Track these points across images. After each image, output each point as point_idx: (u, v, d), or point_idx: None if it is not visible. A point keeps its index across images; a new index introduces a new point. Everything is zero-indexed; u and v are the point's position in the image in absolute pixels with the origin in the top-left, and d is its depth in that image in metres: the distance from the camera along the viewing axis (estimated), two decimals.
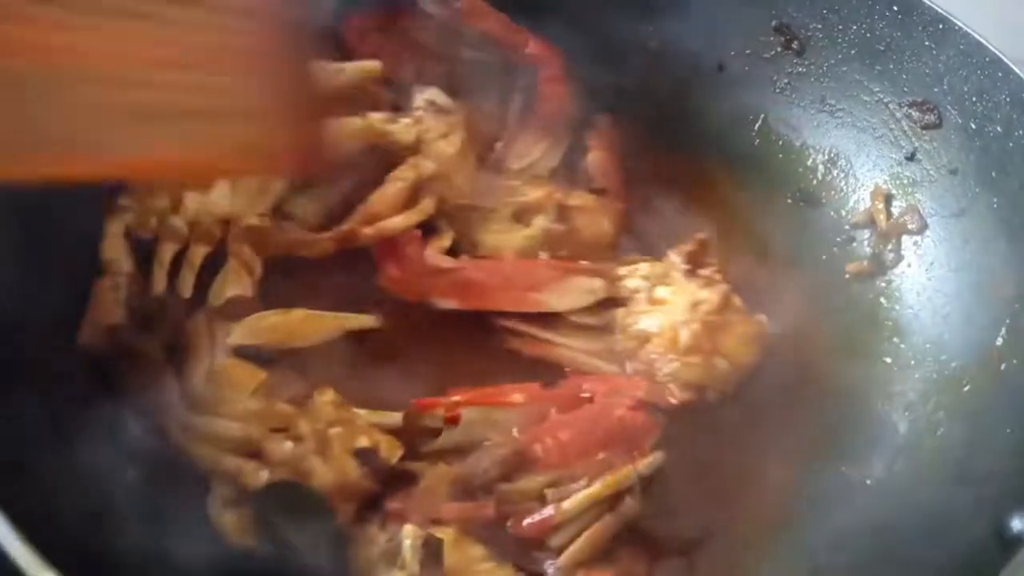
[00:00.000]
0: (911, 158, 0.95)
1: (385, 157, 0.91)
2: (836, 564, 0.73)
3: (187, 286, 0.80)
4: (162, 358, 0.75)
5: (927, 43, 0.93)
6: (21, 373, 0.65)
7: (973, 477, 0.70)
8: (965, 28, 0.89)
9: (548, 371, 0.84)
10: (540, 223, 0.93)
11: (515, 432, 0.75)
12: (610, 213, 0.97)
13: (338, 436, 0.70)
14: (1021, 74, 0.84)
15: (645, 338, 0.86)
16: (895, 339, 0.89)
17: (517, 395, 0.78)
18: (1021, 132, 0.84)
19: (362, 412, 0.73)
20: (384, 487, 0.70)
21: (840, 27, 0.99)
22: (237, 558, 0.67)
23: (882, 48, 0.97)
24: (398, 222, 0.87)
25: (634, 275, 0.91)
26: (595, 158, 1.01)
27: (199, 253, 0.82)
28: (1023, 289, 0.80)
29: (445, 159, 0.91)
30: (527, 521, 0.70)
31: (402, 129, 0.90)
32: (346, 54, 0.98)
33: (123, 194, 0.82)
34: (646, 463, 0.75)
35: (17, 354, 0.66)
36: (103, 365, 0.74)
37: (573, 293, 0.90)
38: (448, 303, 0.86)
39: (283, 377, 0.73)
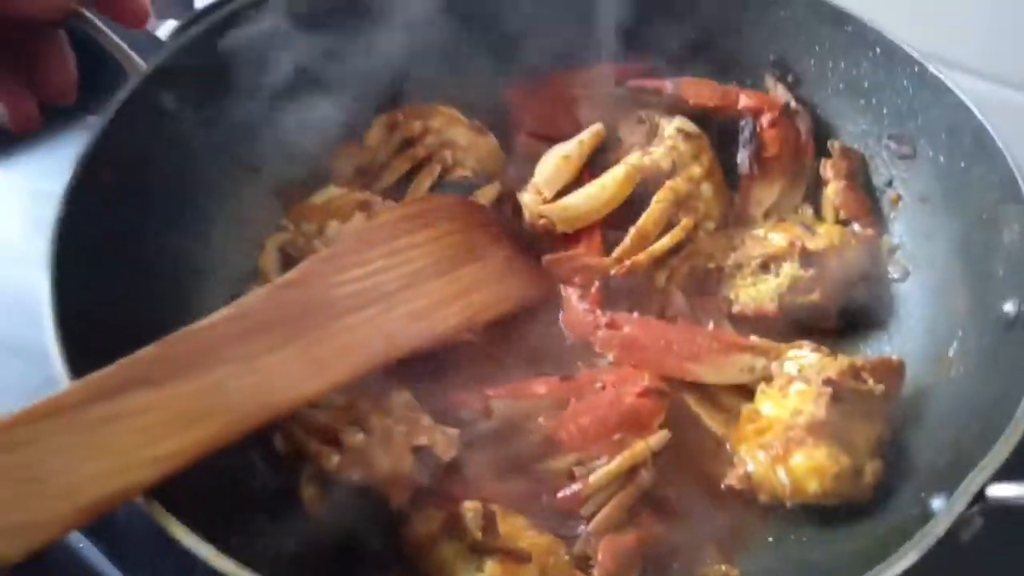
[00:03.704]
0: (889, 184, 1.08)
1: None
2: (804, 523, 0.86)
3: None
4: None
5: (905, 83, 1.04)
6: None
7: (911, 468, 0.83)
8: (936, 73, 1.00)
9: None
10: (787, 270, 0.98)
11: (541, 420, 0.88)
12: (861, 243, 1.01)
13: (402, 433, 0.82)
14: (980, 118, 0.95)
15: (751, 418, 0.88)
16: (863, 347, 1.01)
17: (540, 387, 0.92)
18: (979, 167, 0.94)
19: (426, 416, 0.85)
20: (435, 480, 0.82)
21: (831, 64, 1.11)
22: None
23: (867, 85, 1.08)
24: (664, 243, 1.02)
25: (797, 361, 0.89)
26: (834, 188, 1.06)
27: None
28: (973, 305, 0.91)
29: (697, 178, 1.05)
30: (560, 495, 0.83)
31: (662, 157, 1.06)
32: (512, 122, 1.17)
33: (285, 219, 1.04)
34: (656, 440, 0.87)
35: None
36: None
37: (730, 369, 0.92)
38: (607, 352, 0.95)
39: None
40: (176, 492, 0.68)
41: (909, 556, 0.65)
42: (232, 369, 0.72)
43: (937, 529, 0.65)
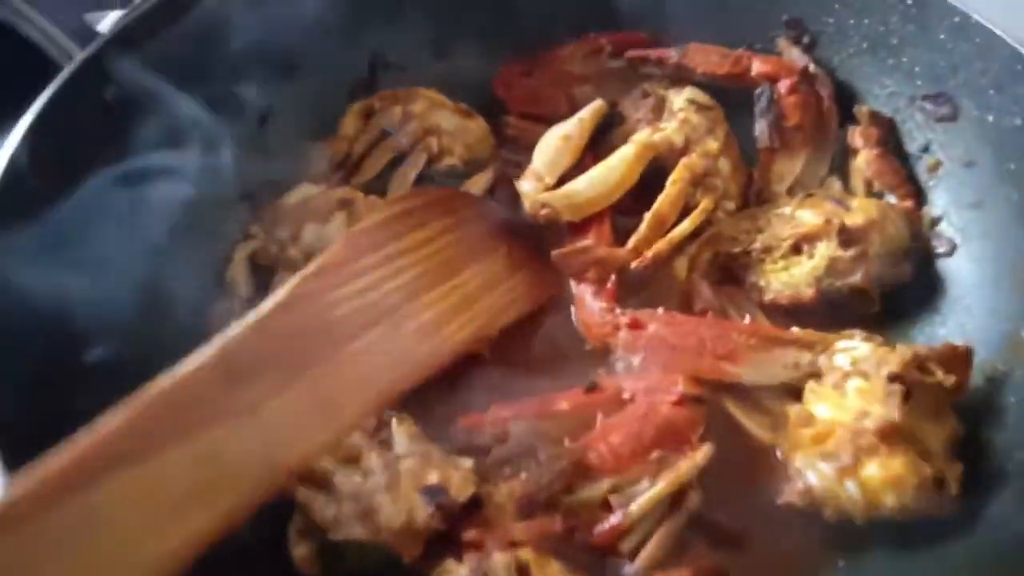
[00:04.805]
0: (925, 150, 0.97)
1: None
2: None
3: None
4: None
5: (942, 36, 0.94)
6: None
7: (998, 473, 0.73)
8: (982, 21, 0.90)
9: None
10: (824, 251, 0.88)
11: (567, 442, 0.77)
12: (900, 214, 0.92)
13: (409, 471, 0.70)
14: None
15: (804, 421, 0.77)
16: (913, 333, 0.91)
17: (562, 403, 0.81)
18: None
19: (435, 447, 0.73)
20: (451, 524, 0.70)
21: (852, 21, 1.00)
22: None
23: (895, 42, 0.98)
24: (684, 227, 0.92)
25: (849, 353, 0.79)
26: (865, 158, 0.96)
27: None
28: None
29: (713, 153, 0.96)
30: (597, 530, 0.72)
31: (674, 132, 0.96)
32: (500, 105, 1.06)
33: (253, 224, 0.92)
34: (701, 455, 0.76)
35: None
36: None
37: (772, 367, 0.81)
38: (631, 356, 0.83)
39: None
40: None
41: None
42: (228, 426, 0.56)
43: None
